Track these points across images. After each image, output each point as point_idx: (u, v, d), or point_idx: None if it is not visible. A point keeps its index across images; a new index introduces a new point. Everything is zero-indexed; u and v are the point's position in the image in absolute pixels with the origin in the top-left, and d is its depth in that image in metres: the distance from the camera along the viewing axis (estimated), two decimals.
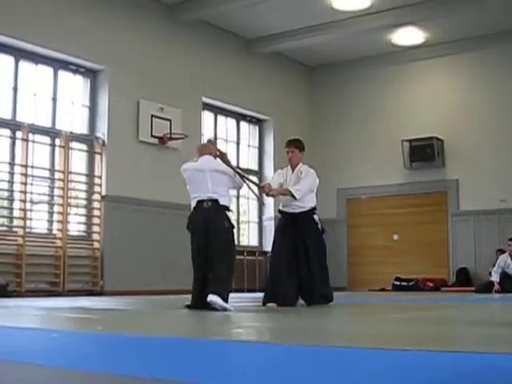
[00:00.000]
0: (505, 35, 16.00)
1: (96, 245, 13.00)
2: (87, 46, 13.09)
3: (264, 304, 7.84)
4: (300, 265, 8.04)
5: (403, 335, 4.34)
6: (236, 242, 7.86)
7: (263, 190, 8.09)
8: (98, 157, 13.23)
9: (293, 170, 8.36)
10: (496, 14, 15.02)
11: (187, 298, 7.47)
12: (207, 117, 16.10)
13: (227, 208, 7.46)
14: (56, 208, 12.59)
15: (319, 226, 8.31)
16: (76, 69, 13.35)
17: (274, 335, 4.59)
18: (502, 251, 14.98)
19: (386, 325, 5.38)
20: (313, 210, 8.29)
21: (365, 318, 6.64)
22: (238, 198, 16.80)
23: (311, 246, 8.10)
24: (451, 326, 5.35)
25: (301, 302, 8.11)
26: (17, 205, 12.09)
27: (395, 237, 17.27)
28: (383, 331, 4.70)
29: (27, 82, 12.59)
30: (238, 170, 7.94)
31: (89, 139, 13.35)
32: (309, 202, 8.22)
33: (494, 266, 14.49)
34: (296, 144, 8.45)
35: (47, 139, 12.74)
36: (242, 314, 6.91)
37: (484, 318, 6.58)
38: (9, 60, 12.37)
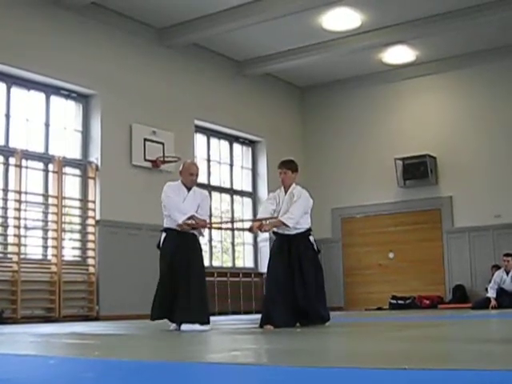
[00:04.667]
0: (496, 52, 16.10)
1: (91, 269, 12.96)
2: (79, 72, 13.12)
3: (261, 326, 7.81)
4: (296, 286, 8.00)
5: (401, 354, 4.32)
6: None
7: (253, 231, 8.09)
8: (91, 181, 13.22)
9: (286, 191, 8.31)
10: (487, 31, 15.12)
11: None
12: (200, 139, 16.12)
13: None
14: (50, 233, 12.56)
15: (315, 247, 8.29)
16: (68, 94, 13.37)
17: (272, 357, 4.56)
18: (497, 267, 14.98)
19: (384, 344, 5.36)
20: (308, 231, 8.25)
21: (362, 337, 6.62)
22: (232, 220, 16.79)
23: (307, 267, 8.07)
24: (449, 344, 5.33)
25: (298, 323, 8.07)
26: (11, 231, 12.05)
27: (391, 255, 17.27)
28: (381, 350, 4.68)
29: (19, 108, 12.61)
30: (222, 226, 8.05)
31: (82, 164, 13.35)
32: (304, 224, 8.19)
33: (490, 282, 14.48)
34: (288, 165, 8.39)
35: (40, 165, 12.74)
36: (239, 336, 6.88)
37: (481, 334, 6.56)
38: (1, 86, 12.38)
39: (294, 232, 8.11)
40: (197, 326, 7.42)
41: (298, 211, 8.01)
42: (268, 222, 8.11)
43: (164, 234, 8.03)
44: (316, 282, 8.13)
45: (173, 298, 7.62)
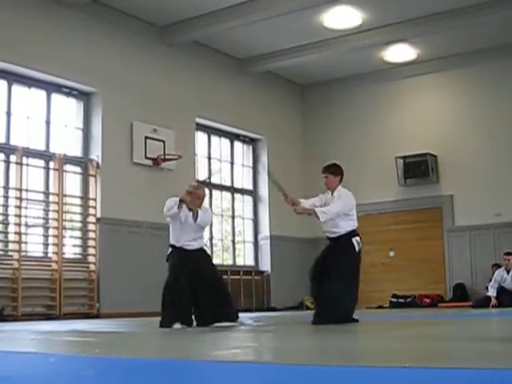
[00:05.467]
0: (497, 51, 16.09)
1: (92, 267, 12.96)
2: (80, 69, 13.12)
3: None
4: (323, 285, 8.03)
5: (402, 352, 4.33)
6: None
7: (287, 201, 8.15)
8: (92, 179, 13.22)
9: (332, 194, 8.34)
10: (488, 30, 15.11)
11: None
12: (201, 137, 16.12)
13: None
14: (51, 231, 12.57)
15: (356, 249, 8.19)
16: (69, 92, 13.37)
17: (272, 355, 4.56)
18: (497, 266, 14.97)
19: (385, 342, 5.37)
20: (351, 233, 8.16)
21: (363, 335, 6.62)
22: (233, 217, 16.81)
23: (337, 269, 8.04)
24: (449, 342, 5.33)
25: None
26: (12, 229, 12.06)
27: (391, 254, 17.26)
28: (382, 348, 4.69)
29: (20, 105, 12.61)
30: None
31: (83, 162, 13.35)
32: (344, 226, 8.12)
33: (490, 280, 14.47)
34: (330, 169, 8.37)
35: (41, 162, 12.75)
36: (239, 334, 6.88)
37: (482, 333, 6.56)
38: (2, 84, 12.39)
39: (334, 235, 8.13)
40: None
41: (333, 209, 7.98)
42: (302, 204, 8.19)
43: (170, 249, 8.35)
44: (339, 283, 8.03)
45: (187, 304, 7.95)
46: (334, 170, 8.36)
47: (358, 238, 8.16)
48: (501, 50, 16.08)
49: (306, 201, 8.35)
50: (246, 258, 17.17)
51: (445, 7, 14.11)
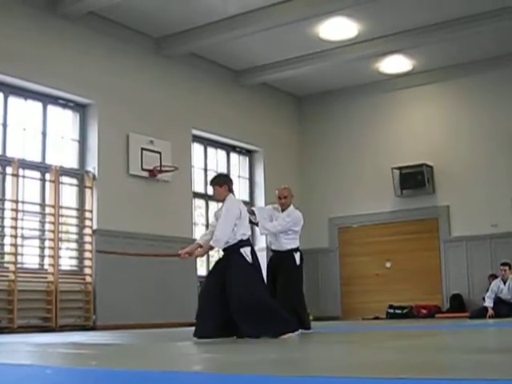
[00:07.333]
0: (493, 61, 16.13)
1: (88, 279, 12.93)
2: (76, 81, 13.12)
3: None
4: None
5: (400, 363, 4.31)
6: None
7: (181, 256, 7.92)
8: (88, 191, 13.21)
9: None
10: (483, 41, 15.15)
11: (180, 331, 7.42)
12: (197, 149, 16.11)
13: None
14: (47, 243, 12.53)
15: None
16: (65, 103, 13.36)
17: (266, 367, 4.54)
18: (494, 276, 14.97)
19: (382, 353, 5.35)
20: (239, 244, 7.86)
21: (359, 347, 6.60)
22: None
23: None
24: (447, 353, 5.32)
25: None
26: (8, 240, 12.02)
27: (388, 264, 17.25)
28: (379, 360, 4.67)
29: (17, 117, 12.60)
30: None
31: (79, 173, 13.33)
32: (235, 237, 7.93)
33: (487, 291, 14.46)
34: (215, 181, 8.39)
35: (37, 174, 12.72)
36: (233, 345, 6.87)
37: (479, 344, 6.55)
38: None
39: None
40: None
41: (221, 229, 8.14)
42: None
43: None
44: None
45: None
46: (219, 181, 8.31)
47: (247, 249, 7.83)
48: (496, 61, 16.12)
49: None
50: None
51: (440, 18, 14.15)
